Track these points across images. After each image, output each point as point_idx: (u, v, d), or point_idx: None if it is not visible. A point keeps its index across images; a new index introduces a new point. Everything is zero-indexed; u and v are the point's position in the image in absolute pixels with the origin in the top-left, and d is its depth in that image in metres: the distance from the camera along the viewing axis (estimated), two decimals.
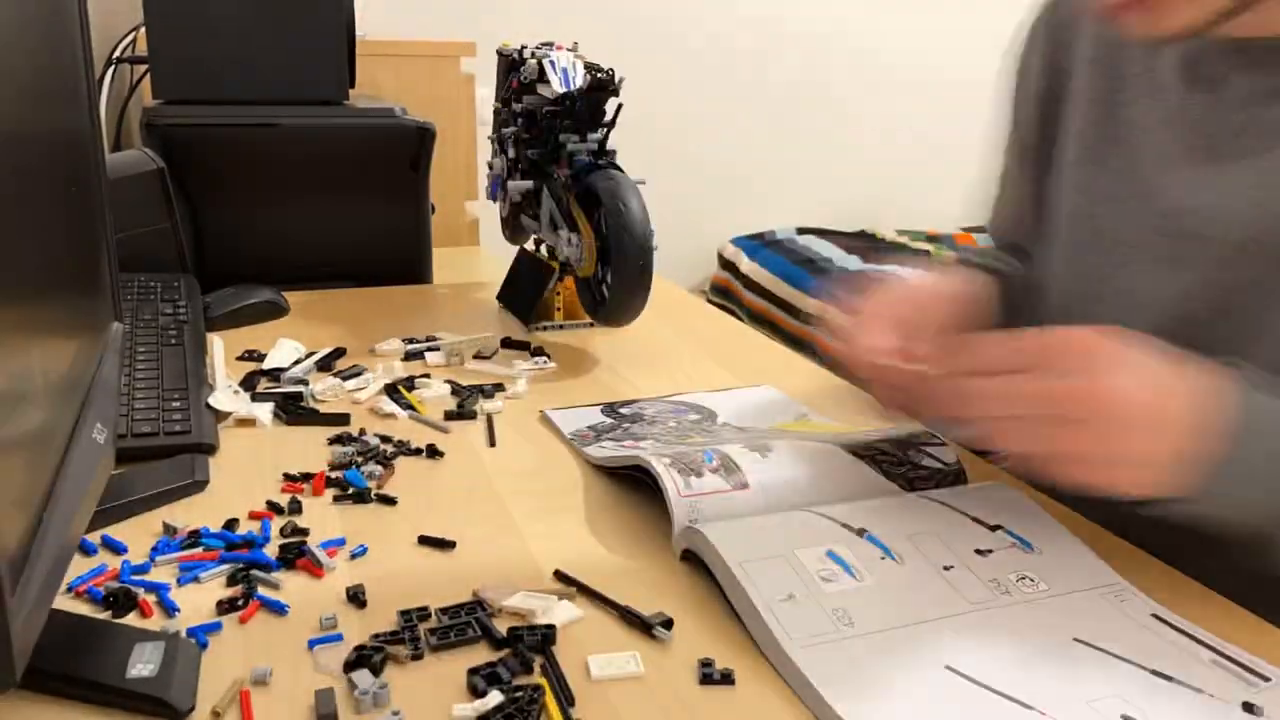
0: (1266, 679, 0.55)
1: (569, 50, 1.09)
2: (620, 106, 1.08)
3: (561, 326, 1.17)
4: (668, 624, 0.59)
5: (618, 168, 1.05)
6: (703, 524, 0.66)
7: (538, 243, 1.20)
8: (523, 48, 1.13)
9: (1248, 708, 0.53)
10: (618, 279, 0.98)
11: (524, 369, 1.01)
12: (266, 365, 0.99)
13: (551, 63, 1.06)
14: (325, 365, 1.01)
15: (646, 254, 0.97)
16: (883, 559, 0.64)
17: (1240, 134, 0.69)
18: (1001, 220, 1.00)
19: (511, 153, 1.15)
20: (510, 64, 1.15)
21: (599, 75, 1.03)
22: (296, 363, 1.00)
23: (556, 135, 1.06)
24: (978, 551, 0.66)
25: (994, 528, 0.68)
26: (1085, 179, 0.81)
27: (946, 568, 0.64)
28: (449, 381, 0.97)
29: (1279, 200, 0.67)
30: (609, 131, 1.07)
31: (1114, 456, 0.60)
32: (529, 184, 1.11)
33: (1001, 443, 0.63)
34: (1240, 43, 0.68)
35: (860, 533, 0.66)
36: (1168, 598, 0.63)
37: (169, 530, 0.68)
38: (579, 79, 1.04)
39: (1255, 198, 0.68)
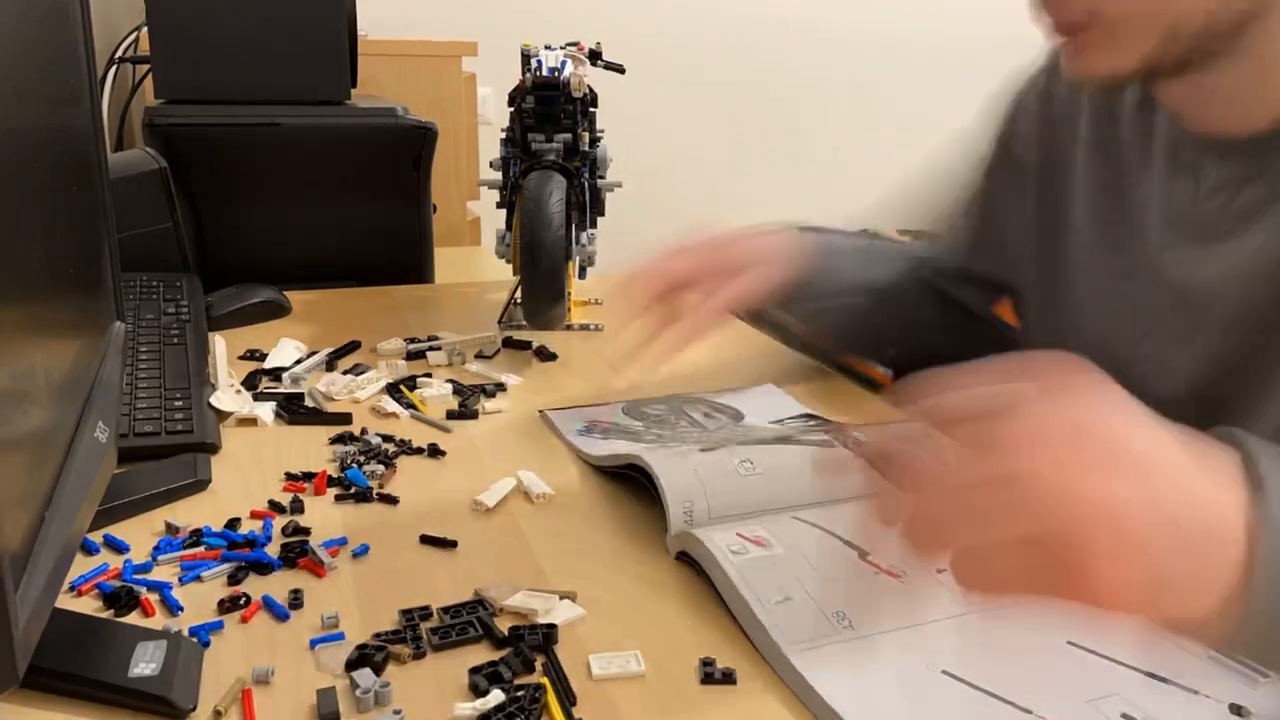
0: (1265, 675, 0.55)
1: (568, 49, 1.09)
2: (592, 112, 1.08)
3: (570, 327, 1.17)
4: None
5: (564, 168, 1.05)
6: (696, 528, 0.66)
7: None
8: (546, 47, 1.13)
9: (1235, 709, 0.53)
10: (528, 276, 0.98)
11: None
12: (267, 365, 0.99)
13: (538, 60, 1.06)
14: (336, 358, 1.01)
15: (555, 253, 0.98)
16: (876, 575, 0.64)
17: (1219, 217, 0.73)
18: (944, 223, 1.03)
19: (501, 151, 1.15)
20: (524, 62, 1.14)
21: (550, 74, 1.03)
22: (298, 362, 1.00)
23: (525, 134, 1.06)
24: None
25: None
26: (1103, 260, 0.83)
27: (941, 571, 0.64)
28: (450, 381, 0.97)
29: (1261, 276, 0.71)
30: (582, 133, 1.06)
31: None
32: (496, 176, 1.12)
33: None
34: (1208, 137, 0.73)
35: (850, 544, 0.66)
36: None
37: (171, 529, 0.68)
38: (549, 74, 1.04)
39: (1244, 274, 0.72)
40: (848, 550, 0.64)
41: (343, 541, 0.68)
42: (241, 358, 1.02)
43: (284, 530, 0.69)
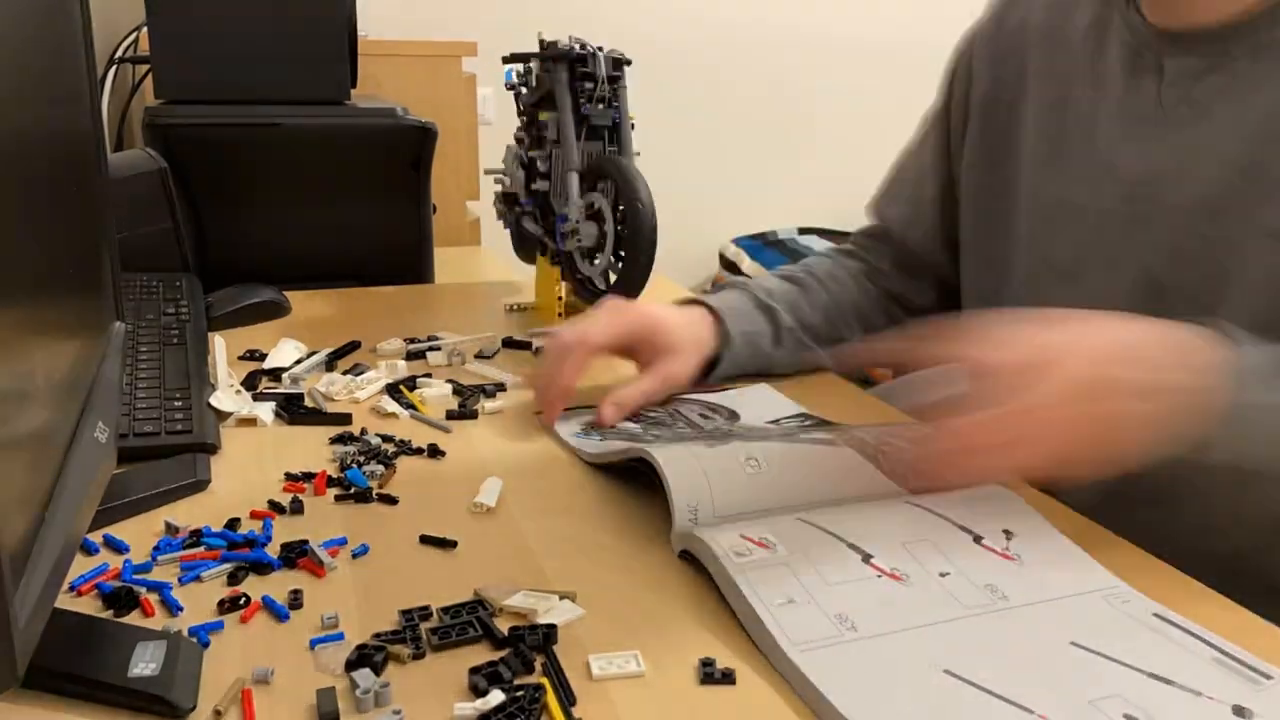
0: (1269, 677, 0.55)
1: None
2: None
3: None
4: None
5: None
6: (700, 528, 0.66)
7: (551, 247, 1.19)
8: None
9: (1238, 711, 0.53)
10: (633, 243, 1.03)
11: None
12: (267, 365, 0.99)
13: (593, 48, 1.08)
14: (336, 358, 1.01)
15: (653, 220, 1.03)
16: (876, 571, 0.64)
17: (1176, 107, 0.81)
18: (896, 209, 1.10)
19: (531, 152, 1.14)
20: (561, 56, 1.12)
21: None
22: (298, 362, 1.00)
23: (576, 100, 1.08)
24: (973, 557, 0.66)
25: (990, 532, 0.68)
26: (1050, 172, 0.90)
27: (943, 574, 0.64)
28: (451, 381, 0.97)
29: (1216, 163, 0.78)
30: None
31: (1114, 427, 0.65)
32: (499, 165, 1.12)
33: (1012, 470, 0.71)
34: (1170, 32, 0.81)
35: (849, 539, 0.66)
36: (1166, 597, 0.63)
37: (170, 530, 0.68)
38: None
39: (1199, 160, 0.79)
40: (851, 553, 0.64)
41: (342, 541, 0.68)
42: (241, 358, 1.02)
43: (283, 531, 0.69)
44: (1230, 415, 0.66)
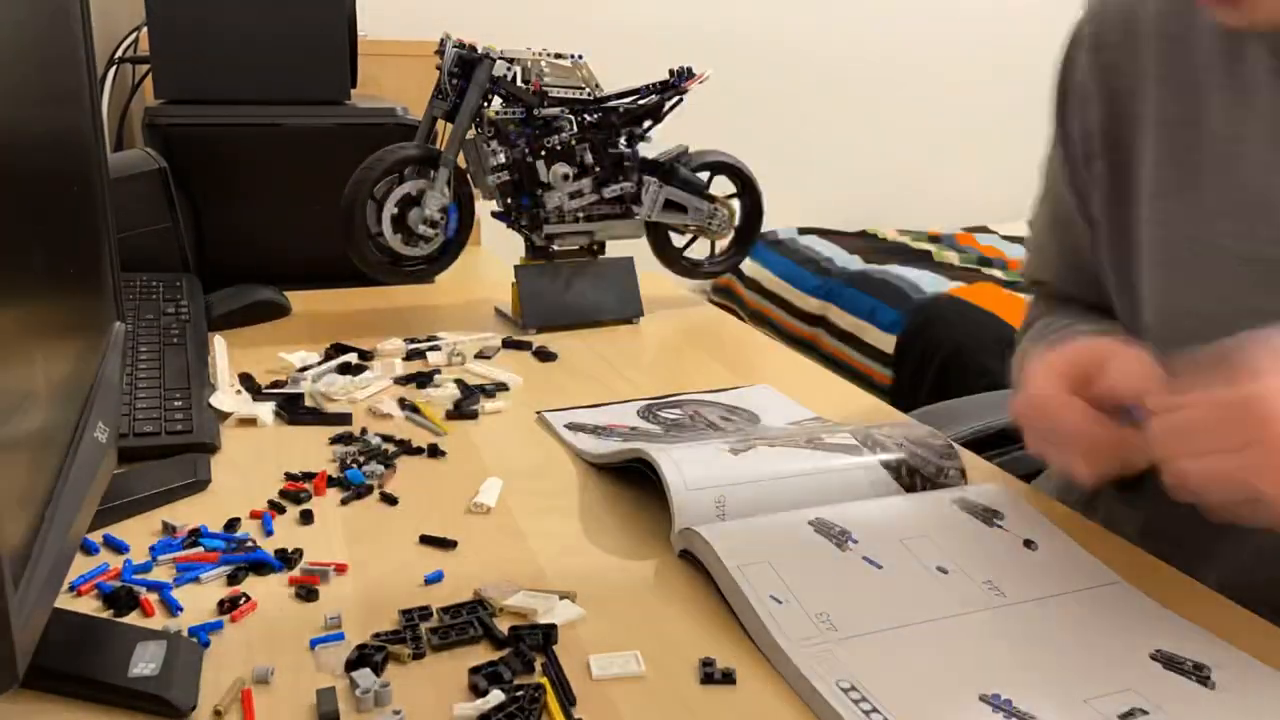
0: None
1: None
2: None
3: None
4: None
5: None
6: (700, 526, 0.66)
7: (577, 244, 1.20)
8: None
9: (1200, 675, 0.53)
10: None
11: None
12: (268, 368, 0.99)
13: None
14: (336, 358, 1.01)
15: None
16: (875, 568, 0.64)
17: None
18: (1048, 268, 0.90)
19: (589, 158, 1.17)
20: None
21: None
22: (306, 367, 0.99)
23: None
24: (972, 554, 0.66)
25: (990, 527, 0.68)
26: (1178, 205, 0.74)
27: (941, 570, 0.64)
28: (451, 381, 0.97)
29: None
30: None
31: None
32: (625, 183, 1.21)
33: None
34: None
35: (844, 538, 0.66)
36: (1166, 596, 0.63)
37: (168, 530, 0.68)
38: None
39: None
40: (827, 543, 0.64)
41: (343, 542, 0.68)
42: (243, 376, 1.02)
43: (284, 531, 0.69)
44: None
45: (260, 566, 0.64)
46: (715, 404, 0.93)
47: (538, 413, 0.91)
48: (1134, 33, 0.77)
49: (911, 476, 0.74)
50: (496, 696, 0.52)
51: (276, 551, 0.65)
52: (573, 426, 0.87)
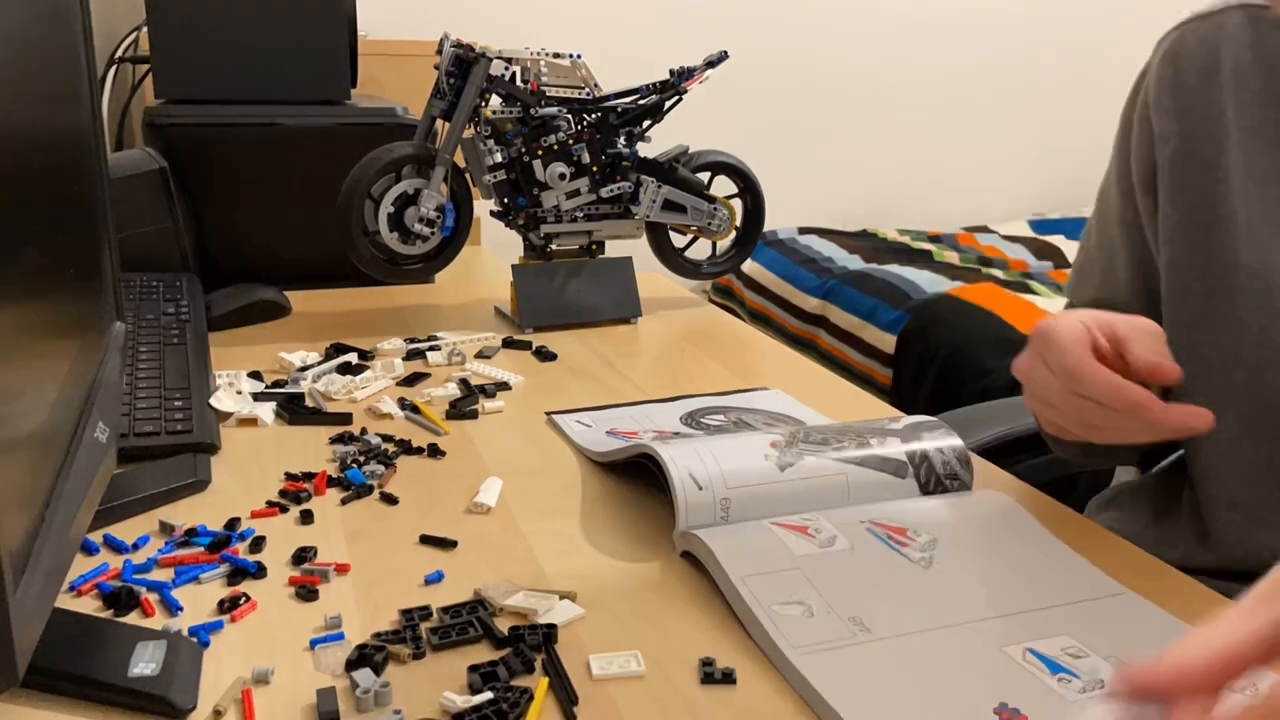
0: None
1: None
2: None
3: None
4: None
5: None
6: (703, 531, 0.66)
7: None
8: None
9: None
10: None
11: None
12: (268, 368, 0.99)
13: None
14: (336, 358, 1.01)
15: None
16: (887, 572, 0.64)
17: None
18: (1089, 293, 0.89)
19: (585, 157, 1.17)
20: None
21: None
22: (307, 367, 0.99)
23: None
24: (975, 560, 0.66)
25: (995, 539, 0.68)
26: (1275, 261, 0.73)
27: (945, 576, 0.64)
28: (451, 381, 0.97)
29: None
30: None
31: None
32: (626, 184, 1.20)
33: None
34: None
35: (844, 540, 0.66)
36: (1168, 601, 0.63)
37: (166, 529, 0.68)
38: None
39: None
40: (827, 546, 0.64)
41: (343, 542, 0.68)
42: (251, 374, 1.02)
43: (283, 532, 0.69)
44: None
45: (258, 568, 0.64)
46: (756, 410, 0.92)
47: (548, 414, 0.91)
48: (1214, 72, 0.77)
49: (929, 478, 0.74)
50: (484, 696, 0.52)
51: (278, 551, 0.65)
52: (583, 427, 0.87)
